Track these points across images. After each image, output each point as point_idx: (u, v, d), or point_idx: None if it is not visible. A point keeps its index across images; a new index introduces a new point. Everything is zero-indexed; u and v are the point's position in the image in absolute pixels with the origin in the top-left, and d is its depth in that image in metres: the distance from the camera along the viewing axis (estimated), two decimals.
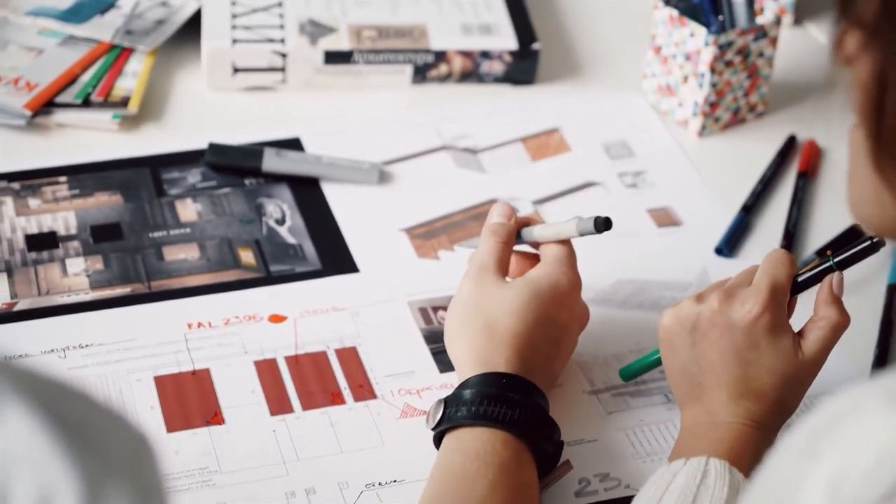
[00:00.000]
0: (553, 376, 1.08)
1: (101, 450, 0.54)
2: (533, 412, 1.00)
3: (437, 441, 1.02)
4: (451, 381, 1.11)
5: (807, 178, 1.35)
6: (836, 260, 1.04)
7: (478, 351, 1.04)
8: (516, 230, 1.11)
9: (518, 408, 0.99)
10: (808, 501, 0.61)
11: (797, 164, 1.37)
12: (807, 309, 1.04)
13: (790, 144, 1.39)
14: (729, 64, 1.37)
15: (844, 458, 0.61)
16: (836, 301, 1.03)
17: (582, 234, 1.07)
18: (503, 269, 1.09)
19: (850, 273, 1.16)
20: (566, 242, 1.10)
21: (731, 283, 1.04)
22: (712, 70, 1.36)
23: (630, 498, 1.00)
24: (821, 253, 1.25)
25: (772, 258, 1.04)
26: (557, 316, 1.06)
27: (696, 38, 1.36)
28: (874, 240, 1.03)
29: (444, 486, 0.97)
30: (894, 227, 0.70)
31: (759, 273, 1.03)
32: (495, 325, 1.04)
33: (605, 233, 1.07)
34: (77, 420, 0.55)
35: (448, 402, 1.01)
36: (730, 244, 1.27)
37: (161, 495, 0.56)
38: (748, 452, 0.98)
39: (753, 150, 1.39)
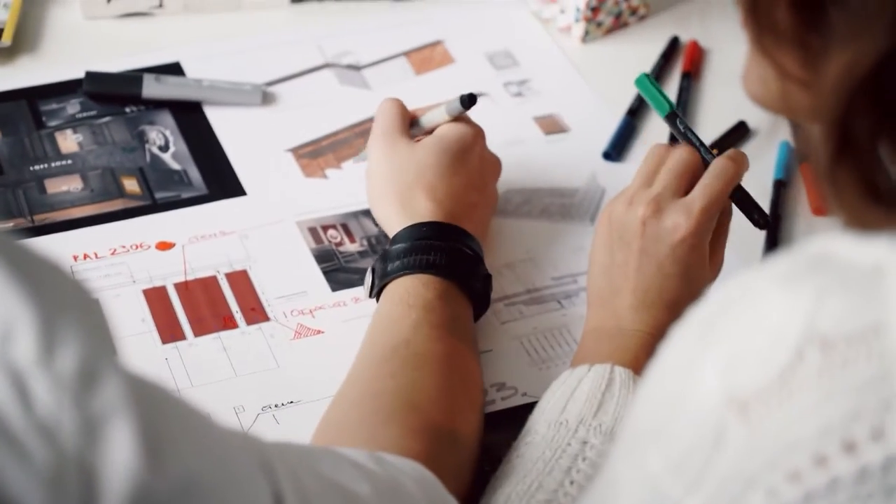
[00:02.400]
0: (482, 223, 1.12)
1: (51, 288, 0.57)
2: (453, 252, 1.03)
3: None
4: (343, 300, 1.11)
5: (691, 79, 1.35)
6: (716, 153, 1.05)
7: (400, 209, 1.08)
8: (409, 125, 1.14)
9: (435, 251, 1.03)
10: (702, 385, 0.61)
11: (681, 65, 1.37)
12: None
13: (673, 46, 1.39)
14: None
15: (738, 341, 0.61)
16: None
17: (451, 115, 1.12)
18: (407, 131, 1.12)
19: None
20: None
21: (660, 190, 1.03)
22: None
23: (527, 406, 1.00)
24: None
25: (715, 170, 1.03)
26: (470, 163, 1.10)
27: None
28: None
29: (373, 333, 1.01)
30: (774, 102, 0.70)
31: (697, 188, 1.03)
32: (413, 182, 1.08)
33: (474, 109, 1.12)
34: (27, 261, 0.57)
35: (374, 268, 1.06)
36: (617, 148, 1.27)
37: (110, 335, 0.59)
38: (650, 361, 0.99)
39: (637, 53, 1.38)
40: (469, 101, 1.10)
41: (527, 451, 0.93)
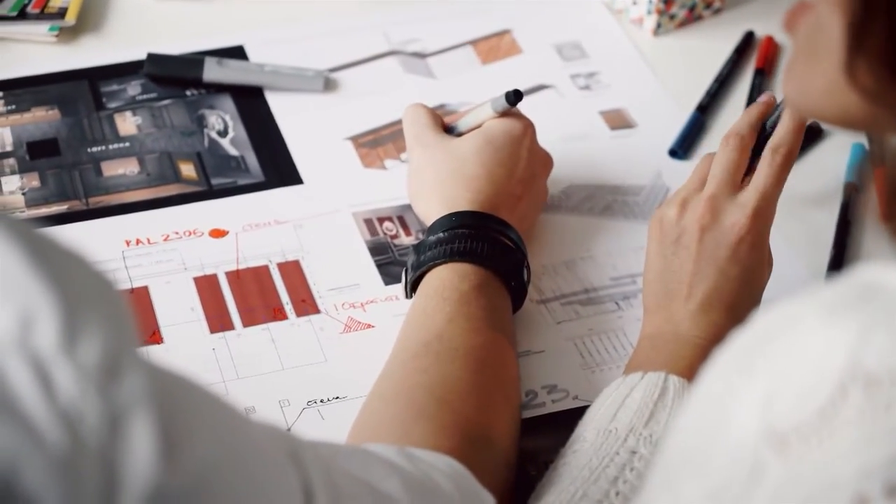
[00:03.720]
0: (527, 217, 1.10)
1: (74, 278, 0.56)
2: (490, 241, 1.01)
3: None
4: (396, 294, 1.09)
5: (764, 76, 1.31)
6: None
7: (438, 200, 1.06)
8: (443, 128, 1.12)
9: (470, 239, 1.01)
10: (741, 418, 0.59)
11: (754, 61, 1.33)
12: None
13: (748, 41, 1.35)
14: None
15: (779, 374, 0.59)
16: None
17: (497, 111, 1.09)
18: (440, 128, 1.11)
19: (806, 172, 1.13)
20: None
21: (714, 190, 1.00)
22: None
23: (578, 410, 0.97)
24: None
25: (766, 164, 1.00)
26: (517, 156, 1.08)
27: None
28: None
29: (407, 327, 0.99)
30: (846, 121, 0.67)
31: (752, 183, 1.00)
32: (452, 174, 1.06)
33: (519, 104, 1.08)
34: (49, 250, 0.57)
35: (407, 266, 1.04)
36: (684, 146, 1.23)
37: (132, 327, 0.58)
38: None
39: (710, 47, 1.35)
40: (515, 97, 1.07)
41: (573, 459, 0.90)
